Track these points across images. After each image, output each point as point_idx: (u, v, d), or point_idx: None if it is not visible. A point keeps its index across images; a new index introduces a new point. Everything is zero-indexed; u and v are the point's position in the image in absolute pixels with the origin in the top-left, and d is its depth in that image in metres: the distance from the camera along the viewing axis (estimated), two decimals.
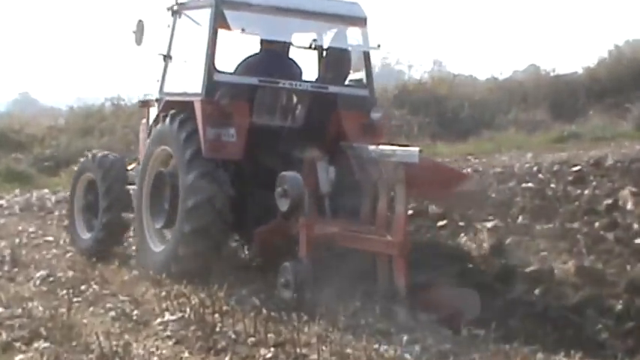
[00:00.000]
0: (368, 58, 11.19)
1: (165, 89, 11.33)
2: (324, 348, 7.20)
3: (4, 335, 8.02)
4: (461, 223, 11.36)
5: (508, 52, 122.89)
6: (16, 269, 11.15)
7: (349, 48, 11.11)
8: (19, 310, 8.84)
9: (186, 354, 7.36)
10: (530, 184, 13.60)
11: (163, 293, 9.31)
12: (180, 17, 11.25)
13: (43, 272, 10.68)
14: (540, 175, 14.65)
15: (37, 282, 10.30)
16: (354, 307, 8.31)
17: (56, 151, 24.98)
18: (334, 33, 11.21)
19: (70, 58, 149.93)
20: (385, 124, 11.13)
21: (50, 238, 13.29)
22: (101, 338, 7.53)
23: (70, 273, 10.65)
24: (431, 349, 7.17)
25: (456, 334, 7.85)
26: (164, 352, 7.38)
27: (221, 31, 10.55)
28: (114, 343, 7.48)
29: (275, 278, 9.30)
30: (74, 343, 7.57)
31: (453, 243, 10.66)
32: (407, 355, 7.06)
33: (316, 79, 11.24)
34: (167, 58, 11.38)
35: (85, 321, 8.34)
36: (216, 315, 8.27)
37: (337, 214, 9.95)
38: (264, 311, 8.37)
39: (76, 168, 13.48)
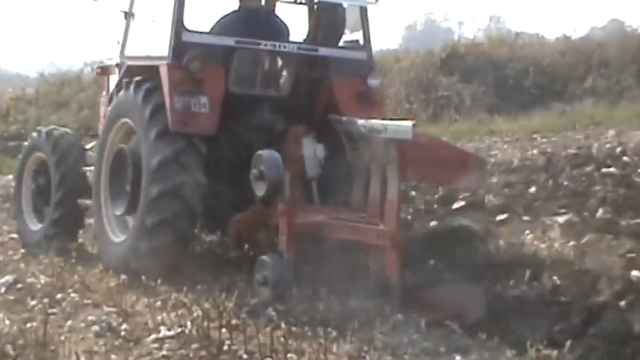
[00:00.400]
0: (365, 14, 11.48)
1: (127, 53, 11.75)
2: None
3: None
4: (525, 217, 11.32)
5: (584, 5, 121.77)
6: None
7: (343, 3, 11.41)
8: None
9: None
10: (612, 169, 13.50)
11: (158, 303, 9.37)
12: None
13: (9, 277, 10.81)
14: (625, 158, 14.53)
15: (2, 289, 10.41)
16: (393, 321, 8.31)
17: (23, 128, 25.07)
18: None
19: (41, 15, 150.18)
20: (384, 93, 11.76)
21: (17, 236, 13.34)
22: (82, 359, 7.59)
23: (43, 279, 10.72)
24: None
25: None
26: None
27: None
28: None
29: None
30: None
31: (516, 242, 10.59)
32: None
33: (305, 40, 11.62)
34: (129, 15, 11.84)
35: (62, 338, 8.37)
36: (224, 330, 8.30)
37: (327, 200, 10.35)
38: (283, 325, 8.39)
39: (25, 144, 13.68)
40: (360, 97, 11.02)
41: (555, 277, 8.84)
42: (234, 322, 8.57)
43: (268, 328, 8.30)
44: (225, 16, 11.61)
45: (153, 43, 11.27)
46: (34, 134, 13.17)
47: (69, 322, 8.96)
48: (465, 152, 10.75)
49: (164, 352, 7.99)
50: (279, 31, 11.68)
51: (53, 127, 13.43)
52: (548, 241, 10.37)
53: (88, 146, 12.39)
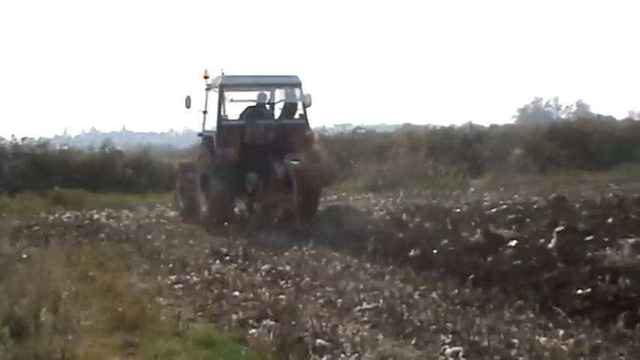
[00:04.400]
0: (303, 104, 16.31)
1: (205, 128, 16.96)
2: (493, 337, 7.00)
3: (240, 314, 8.22)
4: (605, 239, 10.83)
5: None
6: (247, 262, 11.40)
7: (293, 100, 16.39)
8: (251, 295, 9.05)
9: (380, 337, 7.30)
10: None
11: (361, 286, 9.29)
12: (209, 91, 16.87)
13: (267, 266, 10.87)
14: None
15: (263, 273, 10.48)
16: (518, 304, 8.04)
17: None
18: (286, 92, 16.71)
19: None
20: (313, 137, 16.07)
21: (271, 239, 13.48)
22: (313, 320, 7.60)
23: (288, 267, 10.79)
24: (584, 344, 6.81)
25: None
26: (363, 334, 7.35)
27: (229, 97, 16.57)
28: (323, 324, 7.53)
29: None
30: (293, 323, 7.64)
31: (599, 255, 10.10)
32: (563, 347, 6.75)
33: (278, 118, 16.56)
34: (205, 112, 17.04)
35: (300, 306, 8.41)
36: (404, 306, 8.20)
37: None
38: (443, 305, 8.22)
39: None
40: (302, 139, 15.18)
41: (627, 280, 8.38)
42: (410, 301, 8.48)
43: (434, 306, 8.15)
44: (246, 109, 16.56)
45: (212, 124, 16.48)
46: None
47: (304, 296, 8.97)
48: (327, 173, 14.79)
49: (365, 319, 7.91)
50: (267, 115, 16.62)
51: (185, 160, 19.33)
52: (621, 255, 9.90)
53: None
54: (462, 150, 26.93)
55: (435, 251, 10.60)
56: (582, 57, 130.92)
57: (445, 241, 11.05)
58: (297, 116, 16.39)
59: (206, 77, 17.16)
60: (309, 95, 16.49)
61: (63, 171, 23.50)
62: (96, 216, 17.83)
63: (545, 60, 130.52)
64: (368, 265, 10.67)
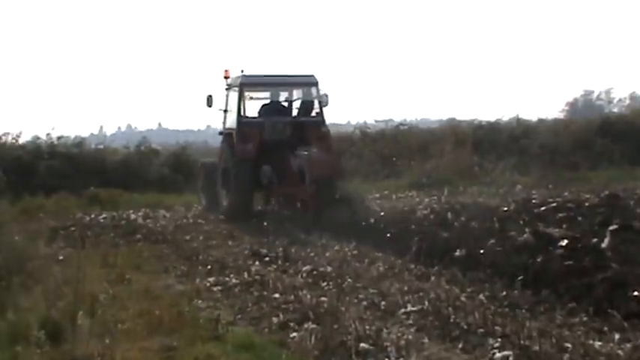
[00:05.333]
0: (320, 102, 17.42)
1: (226, 126, 17.97)
2: (544, 341, 6.91)
3: (281, 316, 8.23)
4: None
5: None
6: (287, 263, 11.42)
7: (310, 99, 17.54)
8: (292, 297, 9.05)
9: (426, 340, 7.26)
10: None
11: (405, 288, 9.26)
12: (229, 90, 17.92)
13: (308, 267, 10.88)
14: None
15: (304, 274, 10.50)
16: (570, 307, 7.93)
17: None
18: (303, 91, 17.89)
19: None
20: (328, 134, 17.21)
21: (311, 238, 13.52)
22: (357, 323, 7.57)
23: (329, 268, 10.78)
24: None
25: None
26: (408, 337, 7.30)
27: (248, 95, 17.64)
28: (367, 327, 7.50)
29: None
30: (336, 326, 7.62)
31: None
32: (619, 352, 6.63)
33: (295, 115, 17.56)
34: (225, 111, 18.09)
35: (343, 308, 8.38)
36: (450, 308, 8.14)
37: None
38: (491, 307, 8.14)
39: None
40: (318, 137, 16.62)
41: None
42: (457, 303, 8.40)
43: (482, 309, 8.07)
44: (264, 106, 17.72)
45: (232, 121, 17.52)
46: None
47: (347, 298, 8.94)
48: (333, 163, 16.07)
49: (410, 322, 7.88)
50: (285, 112, 17.68)
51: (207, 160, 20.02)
52: None
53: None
54: (508, 145, 26.67)
55: (481, 251, 10.49)
56: (636, 48, 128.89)
57: (492, 241, 10.93)
58: (313, 114, 17.44)
59: (227, 77, 18.20)
60: (326, 94, 17.57)
61: (99, 170, 23.78)
62: (132, 216, 18.00)
63: (596, 52, 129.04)
64: (412, 266, 10.64)
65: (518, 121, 30.16)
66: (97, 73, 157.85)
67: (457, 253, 10.63)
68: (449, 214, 14.30)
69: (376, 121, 33.22)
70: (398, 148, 27.17)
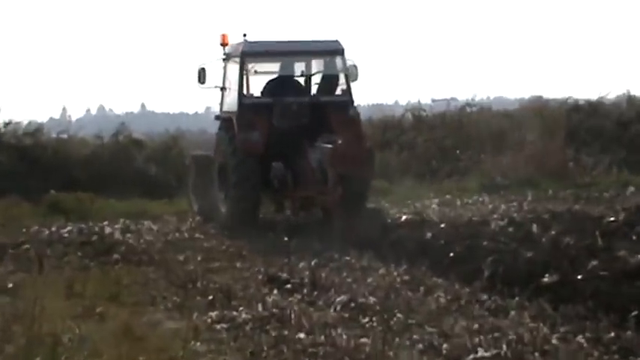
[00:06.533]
0: (346, 75, 17.65)
1: (224, 109, 18.35)
2: None
3: None
4: None
5: None
6: (315, 293, 11.41)
7: (333, 72, 17.84)
8: (322, 338, 9.04)
9: None
10: None
11: (475, 326, 9.25)
12: (228, 62, 18.14)
13: (343, 297, 10.84)
14: None
15: (338, 307, 10.48)
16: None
17: None
18: (324, 61, 18.18)
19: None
20: (358, 118, 17.44)
21: (348, 258, 13.55)
22: None
23: (372, 299, 10.75)
24: None
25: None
26: None
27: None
28: None
29: None
30: None
31: None
32: None
33: (314, 94, 17.99)
34: (223, 89, 18.42)
35: (390, 353, 8.36)
36: (537, 354, 8.10)
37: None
38: (595, 353, 8.08)
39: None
40: (345, 121, 16.80)
41: None
42: (546, 347, 8.36)
43: (581, 354, 8.03)
44: (269, 82, 18.07)
45: (232, 103, 17.82)
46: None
47: (396, 340, 8.89)
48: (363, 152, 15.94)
49: None
50: (300, 90, 18.03)
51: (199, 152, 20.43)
52: None
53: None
54: (616, 133, 26.56)
55: (579, 277, 10.45)
56: None
57: (594, 263, 10.88)
58: (338, 92, 17.63)
59: (224, 44, 18.14)
60: (355, 66, 17.69)
61: (61, 168, 23.96)
62: (107, 230, 18.06)
63: None
64: (484, 297, 10.61)
65: (629, 100, 29.93)
66: (58, 39, 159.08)
67: (546, 280, 10.60)
68: (534, 227, 14.27)
69: (434, 101, 33.03)
70: (463, 137, 27.16)
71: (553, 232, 13.63)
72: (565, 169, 23.42)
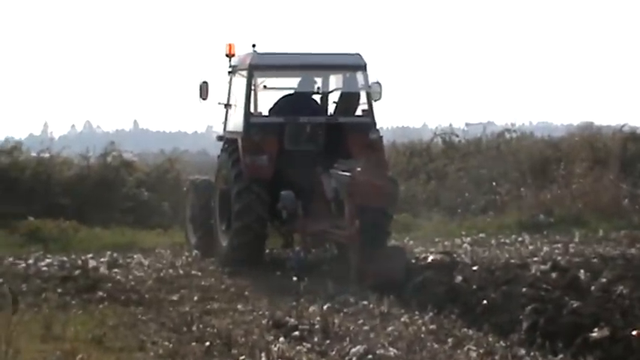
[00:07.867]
0: (368, 94, 17.76)
1: (228, 128, 18.51)
2: None
3: None
4: None
5: None
6: (327, 341, 11.36)
7: (354, 90, 17.95)
8: None
9: None
10: None
11: None
12: (234, 75, 18.27)
13: (359, 348, 10.79)
14: None
15: (354, 359, 10.45)
16: None
17: None
18: (343, 77, 18.22)
19: None
20: (380, 141, 17.56)
21: (366, 303, 13.52)
22: None
23: (393, 351, 10.71)
24: None
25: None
26: None
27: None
28: None
29: None
30: None
31: None
32: None
33: (332, 114, 18.18)
34: (227, 106, 18.62)
35: None
36: None
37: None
38: None
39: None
40: (365, 146, 16.95)
41: None
42: None
43: None
44: (281, 99, 18.13)
45: (236, 122, 17.96)
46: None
47: None
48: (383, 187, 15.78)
49: None
50: (316, 108, 18.16)
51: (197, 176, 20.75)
52: None
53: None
54: None
55: (633, 332, 10.39)
56: None
57: None
58: (359, 112, 17.80)
59: (230, 55, 18.22)
60: (379, 83, 17.83)
61: (41, 191, 24.03)
62: (92, 263, 18.09)
63: None
64: (522, 352, 10.59)
65: None
66: (39, 47, 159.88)
67: (594, 335, 10.55)
68: (582, 273, 14.25)
69: (468, 125, 33.08)
70: (501, 166, 27.12)
71: (604, 280, 13.63)
72: (618, 207, 23.39)
